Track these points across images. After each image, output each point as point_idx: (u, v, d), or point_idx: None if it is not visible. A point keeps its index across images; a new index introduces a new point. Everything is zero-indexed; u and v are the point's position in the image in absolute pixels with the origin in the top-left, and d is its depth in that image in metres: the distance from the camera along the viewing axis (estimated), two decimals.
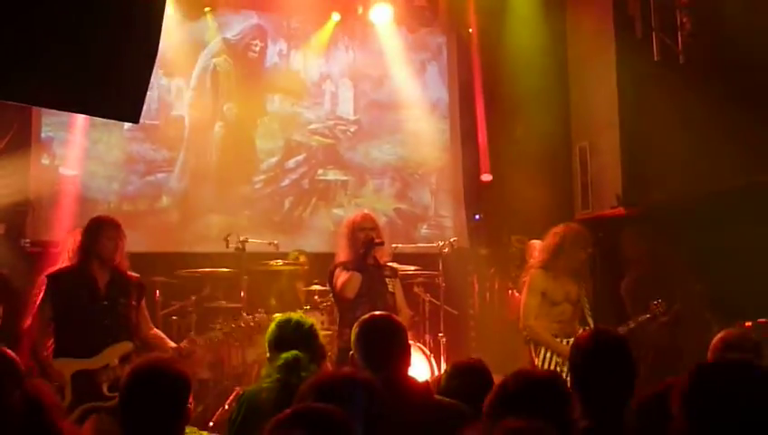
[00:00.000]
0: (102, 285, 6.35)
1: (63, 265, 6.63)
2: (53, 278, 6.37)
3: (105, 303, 6.32)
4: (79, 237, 6.61)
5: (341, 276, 6.95)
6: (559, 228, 7.11)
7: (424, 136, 11.41)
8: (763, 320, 7.38)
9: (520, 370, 3.08)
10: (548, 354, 6.79)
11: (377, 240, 6.96)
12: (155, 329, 6.83)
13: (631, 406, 3.05)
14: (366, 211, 7.51)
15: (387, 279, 7.11)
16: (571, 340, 6.71)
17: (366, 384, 3.15)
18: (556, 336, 6.85)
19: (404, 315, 7.07)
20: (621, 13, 9.67)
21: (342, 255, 7.11)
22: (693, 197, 8.87)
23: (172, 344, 6.57)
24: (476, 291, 10.81)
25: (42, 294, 6.32)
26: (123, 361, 6.13)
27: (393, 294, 7.11)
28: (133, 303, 6.46)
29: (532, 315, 6.91)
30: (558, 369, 6.65)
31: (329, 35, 11.03)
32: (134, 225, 9.83)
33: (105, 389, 6.08)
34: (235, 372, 8.48)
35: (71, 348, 6.16)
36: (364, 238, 6.95)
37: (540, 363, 6.76)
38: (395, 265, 7.48)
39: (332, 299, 7.54)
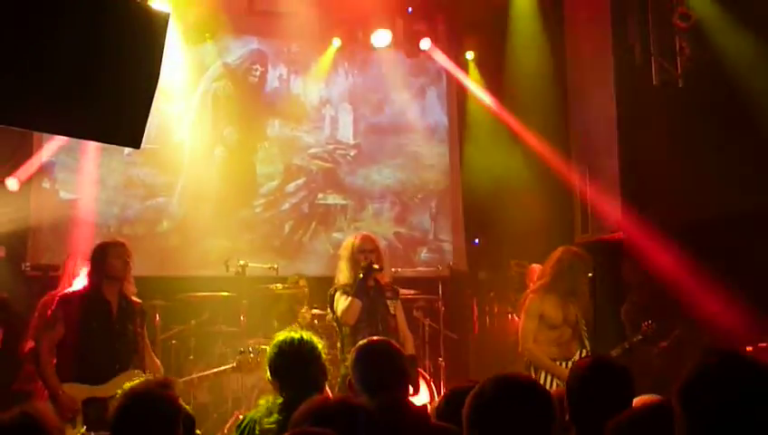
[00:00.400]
0: (114, 309, 6.30)
1: (76, 287, 6.57)
2: (66, 300, 6.27)
3: (117, 327, 6.27)
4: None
5: (341, 302, 6.86)
6: (558, 252, 7.07)
7: (423, 160, 11.45)
8: (765, 344, 7.38)
9: (497, 374, 3.00)
10: (548, 378, 6.77)
11: (375, 265, 6.87)
12: (156, 359, 6.77)
13: (609, 426, 3.01)
14: (365, 233, 7.38)
15: (388, 301, 7.02)
16: (570, 362, 6.71)
17: (360, 409, 3.15)
18: (555, 359, 6.82)
19: (407, 337, 7.06)
20: (620, 38, 9.72)
21: (342, 277, 7.02)
22: (692, 221, 8.87)
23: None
24: (476, 315, 10.80)
25: (52, 316, 6.22)
26: None
27: (394, 316, 7.03)
28: (138, 329, 6.42)
29: (530, 339, 6.84)
30: None
31: (330, 61, 11.08)
32: (134, 249, 9.66)
33: None
34: (235, 395, 8.45)
35: (79, 372, 6.08)
36: (364, 262, 6.87)
37: None
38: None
39: (333, 323, 7.38)
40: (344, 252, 7.12)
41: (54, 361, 6.12)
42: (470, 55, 11.38)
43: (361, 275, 6.85)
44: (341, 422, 2.91)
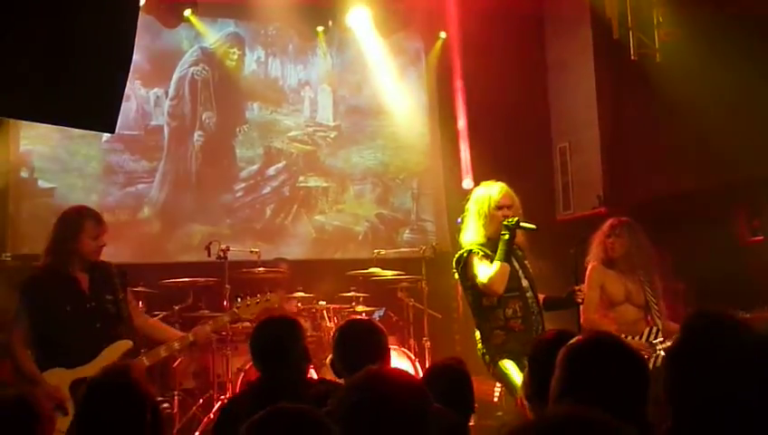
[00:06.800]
0: (85, 286, 5.69)
1: (37, 266, 5.87)
2: (28, 284, 5.68)
3: (92, 304, 5.67)
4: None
5: (483, 268, 5.99)
6: (614, 222, 6.65)
7: (404, 141, 11.40)
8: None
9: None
10: None
11: (524, 222, 6.02)
12: (151, 319, 6.44)
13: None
14: (502, 185, 6.26)
15: (526, 261, 6.27)
16: (636, 338, 6.31)
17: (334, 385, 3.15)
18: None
19: None
20: (599, 12, 9.69)
21: (472, 235, 6.18)
22: (674, 195, 8.89)
23: (178, 333, 6.04)
24: (460, 294, 10.78)
25: (18, 304, 5.57)
26: (126, 358, 5.55)
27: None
28: (121, 295, 5.77)
29: (592, 309, 6.36)
30: None
31: (323, 47, 11.08)
32: (115, 236, 9.71)
33: None
34: (220, 380, 8.44)
35: (61, 359, 5.48)
36: (508, 220, 5.98)
37: None
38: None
39: (469, 292, 6.25)
40: (478, 206, 6.21)
41: (30, 350, 5.56)
42: (444, 35, 11.27)
43: (507, 236, 5.96)
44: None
